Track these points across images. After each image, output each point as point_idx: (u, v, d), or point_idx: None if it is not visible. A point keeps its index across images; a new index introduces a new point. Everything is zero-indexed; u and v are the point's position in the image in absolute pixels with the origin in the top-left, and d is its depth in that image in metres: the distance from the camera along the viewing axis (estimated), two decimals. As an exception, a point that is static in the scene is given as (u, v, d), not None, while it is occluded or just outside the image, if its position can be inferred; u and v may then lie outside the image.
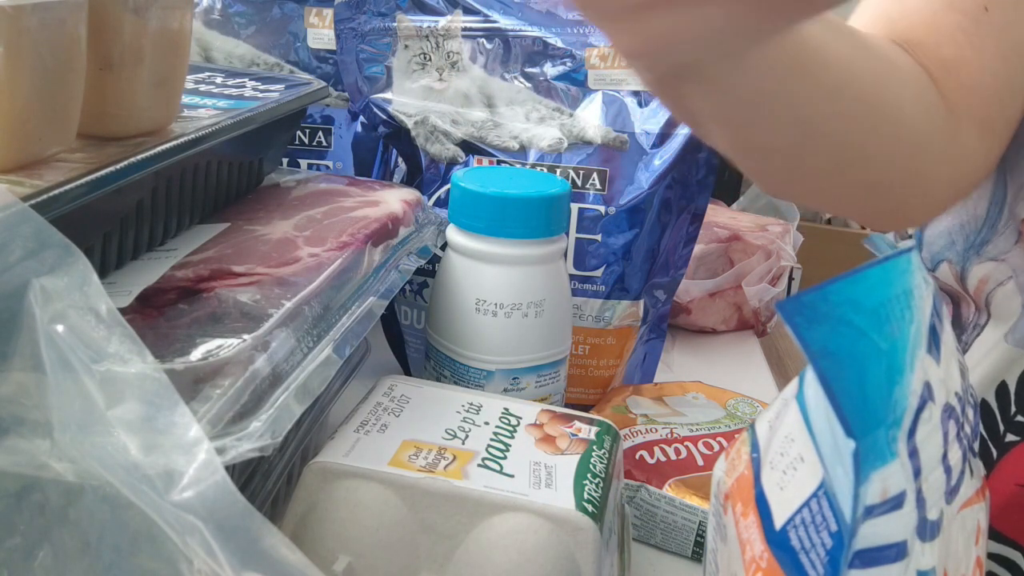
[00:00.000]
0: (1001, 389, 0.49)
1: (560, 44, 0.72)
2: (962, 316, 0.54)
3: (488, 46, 0.74)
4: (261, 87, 0.65)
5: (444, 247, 0.65)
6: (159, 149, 0.47)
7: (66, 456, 0.33)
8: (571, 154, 0.72)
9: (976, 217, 0.54)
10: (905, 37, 0.44)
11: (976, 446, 0.39)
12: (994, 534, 0.47)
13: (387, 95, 0.76)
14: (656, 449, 0.63)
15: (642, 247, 0.72)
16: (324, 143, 0.90)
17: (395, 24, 0.75)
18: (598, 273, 0.72)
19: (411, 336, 0.78)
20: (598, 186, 0.71)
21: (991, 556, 0.48)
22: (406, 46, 0.75)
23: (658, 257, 0.73)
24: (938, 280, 0.56)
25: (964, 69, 0.44)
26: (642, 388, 0.72)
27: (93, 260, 0.40)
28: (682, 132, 0.70)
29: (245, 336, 0.42)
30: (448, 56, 0.74)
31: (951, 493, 0.35)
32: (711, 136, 0.42)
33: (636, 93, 0.71)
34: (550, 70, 0.73)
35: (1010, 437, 0.49)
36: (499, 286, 0.61)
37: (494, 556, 0.43)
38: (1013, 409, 0.49)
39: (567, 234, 0.66)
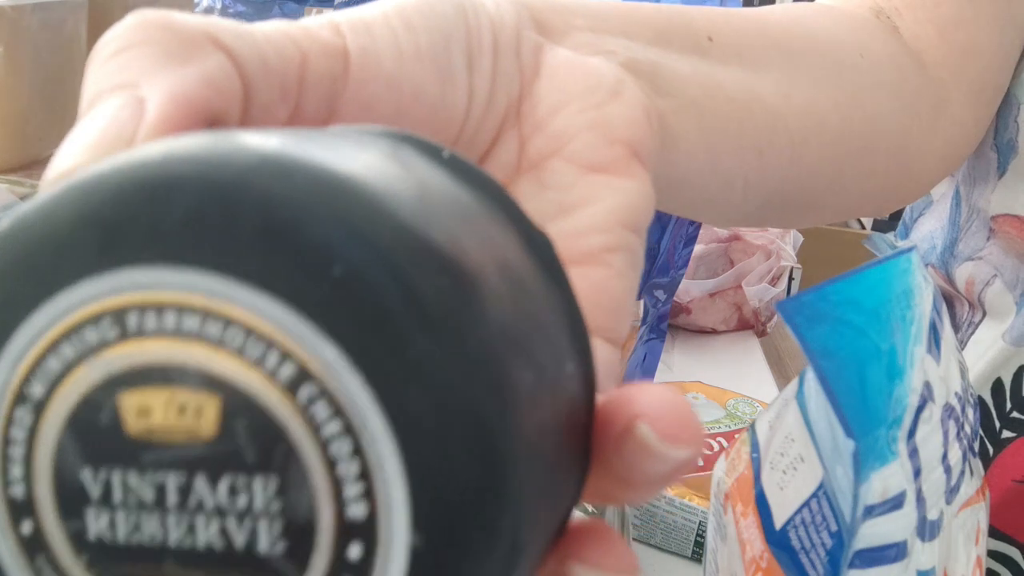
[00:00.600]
0: (997, 386, 0.49)
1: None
2: (956, 315, 0.54)
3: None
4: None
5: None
6: (159, 149, 0.47)
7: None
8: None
9: (943, 216, 0.54)
10: (896, 6, 0.44)
11: (976, 445, 0.39)
12: (991, 531, 0.47)
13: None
14: (656, 449, 0.63)
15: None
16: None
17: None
18: (598, 273, 0.71)
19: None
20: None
21: (988, 553, 0.48)
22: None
23: (658, 257, 0.73)
24: None
25: (962, 29, 0.44)
26: (642, 388, 0.72)
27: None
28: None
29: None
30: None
31: (951, 493, 0.35)
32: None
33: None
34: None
35: (1006, 434, 0.49)
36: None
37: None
38: (1008, 405, 0.49)
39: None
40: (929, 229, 0.55)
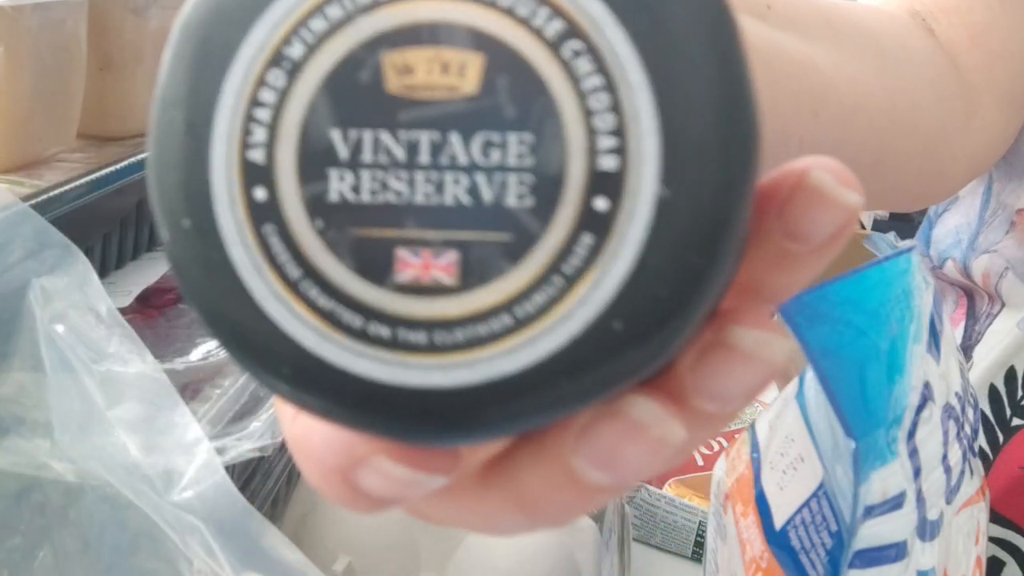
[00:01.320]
0: (1009, 374, 0.50)
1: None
2: (976, 308, 0.55)
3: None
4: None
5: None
6: (159, 149, 0.47)
7: (66, 456, 0.33)
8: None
9: (969, 212, 0.54)
10: (929, 11, 0.44)
11: (976, 446, 0.39)
12: (997, 518, 0.47)
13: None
14: (656, 449, 0.63)
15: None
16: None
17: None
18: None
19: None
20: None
21: (993, 540, 0.48)
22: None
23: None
24: (947, 276, 0.56)
25: (995, 34, 0.44)
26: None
27: (93, 260, 0.40)
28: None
29: (245, 336, 0.42)
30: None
31: (951, 493, 0.35)
32: None
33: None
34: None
35: (1016, 421, 0.49)
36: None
37: (494, 556, 0.43)
38: (1020, 393, 0.49)
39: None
40: (954, 224, 0.56)
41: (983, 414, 0.50)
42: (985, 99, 0.44)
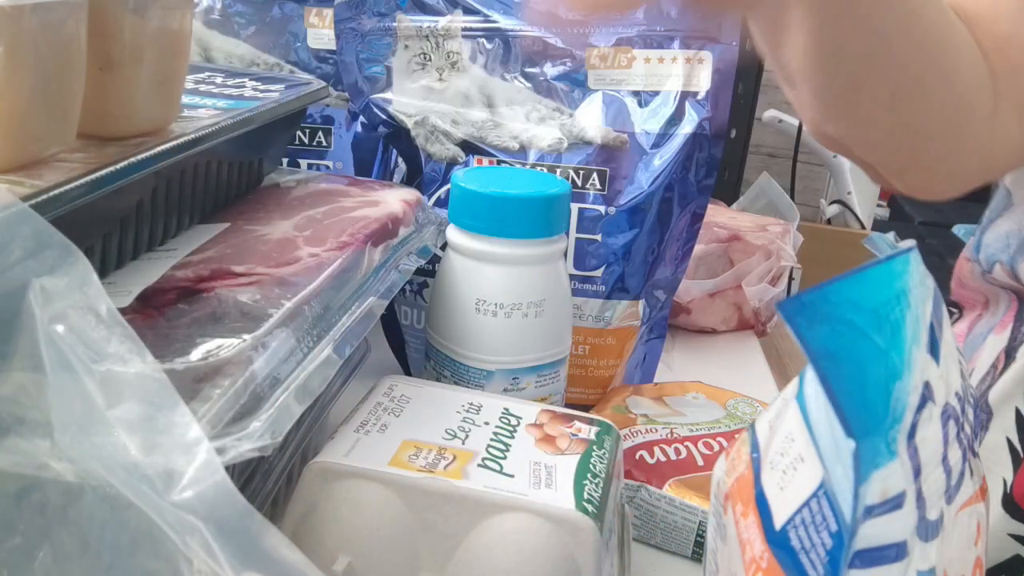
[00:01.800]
0: None
1: (560, 44, 0.72)
2: None
3: (488, 46, 0.74)
4: (261, 87, 0.65)
5: (444, 247, 0.65)
6: (159, 149, 0.47)
7: (66, 456, 0.33)
8: (571, 154, 0.72)
9: (1021, 220, 0.55)
10: (962, 12, 0.45)
11: (976, 446, 0.39)
12: (1022, 515, 0.47)
13: (387, 95, 0.76)
14: (656, 449, 0.63)
15: (642, 247, 0.72)
16: (324, 143, 0.90)
17: (395, 24, 0.75)
18: (598, 273, 0.72)
19: (411, 336, 0.78)
20: (598, 186, 0.71)
21: (1017, 538, 0.48)
22: (406, 46, 0.75)
23: (658, 257, 0.73)
24: (997, 280, 0.57)
25: (1016, 47, 0.45)
26: (642, 388, 0.72)
27: (93, 260, 0.40)
28: (682, 132, 0.70)
29: (245, 336, 0.42)
30: (448, 56, 0.74)
31: (951, 493, 0.35)
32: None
33: (636, 93, 0.71)
34: (550, 70, 0.73)
35: None
36: (499, 286, 0.61)
37: (494, 556, 0.43)
38: None
39: (567, 234, 0.66)
40: (1005, 229, 0.57)
41: (1017, 411, 0.50)
42: (1004, 105, 0.45)
